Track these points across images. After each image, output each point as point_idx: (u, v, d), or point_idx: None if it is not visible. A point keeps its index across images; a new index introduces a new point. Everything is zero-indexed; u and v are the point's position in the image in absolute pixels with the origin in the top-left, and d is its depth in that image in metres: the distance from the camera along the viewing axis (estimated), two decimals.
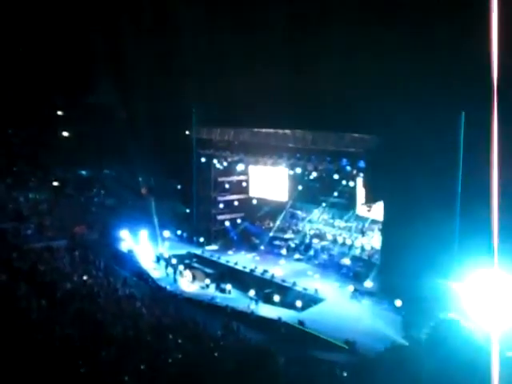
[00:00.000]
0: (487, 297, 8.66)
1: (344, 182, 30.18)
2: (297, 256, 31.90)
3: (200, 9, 31.69)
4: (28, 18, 34.92)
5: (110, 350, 13.58)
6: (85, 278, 24.03)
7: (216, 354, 15.37)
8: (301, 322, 22.38)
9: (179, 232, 36.09)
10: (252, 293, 25.86)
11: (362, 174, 27.27)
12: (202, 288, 28.25)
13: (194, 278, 29.02)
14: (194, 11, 31.79)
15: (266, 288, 26.65)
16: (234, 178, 36.79)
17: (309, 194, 34.98)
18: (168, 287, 27.89)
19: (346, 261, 29.51)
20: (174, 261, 30.65)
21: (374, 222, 30.61)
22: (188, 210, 37.11)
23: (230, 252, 33.25)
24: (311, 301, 25.14)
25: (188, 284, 28.47)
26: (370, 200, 27.43)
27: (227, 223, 36.42)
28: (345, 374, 11.55)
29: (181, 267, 29.97)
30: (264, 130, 30.46)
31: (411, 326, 20.59)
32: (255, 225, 36.65)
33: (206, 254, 32.65)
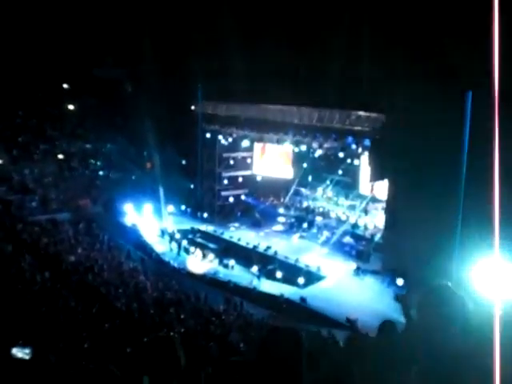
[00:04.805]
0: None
1: (349, 161, 30.16)
2: (300, 233, 31.95)
3: None
4: None
5: (113, 323, 13.75)
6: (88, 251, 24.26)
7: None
8: (303, 299, 22.55)
9: (183, 207, 36.13)
10: (255, 269, 25.97)
11: (367, 153, 27.17)
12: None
13: (204, 256, 28.99)
14: None
15: (268, 264, 26.75)
16: (239, 154, 36.67)
17: (313, 171, 34.98)
18: (171, 262, 28.09)
19: (349, 239, 29.57)
20: (177, 235, 30.78)
21: (377, 200, 30.64)
22: (192, 186, 37.13)
23: (232, 228, 33.32)
24: (313, 278, 25.28)
25: (198, 262, 28.44)
26: (375, 178, 27.37)
27: (231, 199, 36.47)
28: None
29: (184, 242, 30.05)
30: (270, 106, 30.24)
31: (411, 304, 20.76)
32: (259, 201, 36.67)
33: (210, 230, 32.73)
